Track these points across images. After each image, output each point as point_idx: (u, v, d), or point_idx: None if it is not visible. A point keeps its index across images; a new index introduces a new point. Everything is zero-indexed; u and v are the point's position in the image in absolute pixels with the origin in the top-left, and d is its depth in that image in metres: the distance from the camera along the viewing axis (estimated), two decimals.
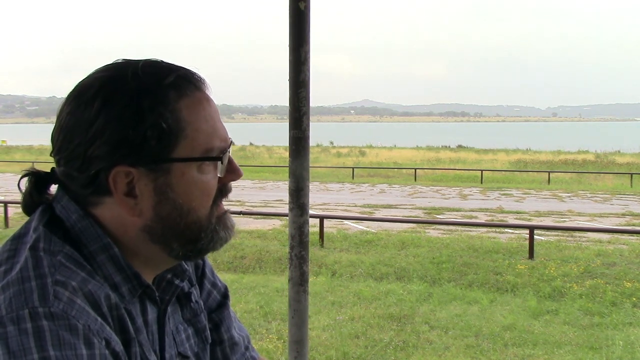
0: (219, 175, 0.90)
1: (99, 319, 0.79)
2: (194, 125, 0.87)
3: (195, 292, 1.06)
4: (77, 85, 0.88)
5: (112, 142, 0.83)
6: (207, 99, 0.91)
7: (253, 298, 7.99)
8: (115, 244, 0.87)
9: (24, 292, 0.76)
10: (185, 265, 1.01)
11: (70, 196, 0.88)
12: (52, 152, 0.89)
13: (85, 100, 0.85)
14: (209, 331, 1.07)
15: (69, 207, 0.87)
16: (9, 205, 13.84)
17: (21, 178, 0.91)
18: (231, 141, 0.94)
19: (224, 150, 0.91)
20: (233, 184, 0.95)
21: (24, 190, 0.91)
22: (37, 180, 0.91)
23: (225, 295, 1.14)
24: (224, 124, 0.93)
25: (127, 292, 0.88)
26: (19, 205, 0.93)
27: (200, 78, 0.91)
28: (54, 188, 0.92)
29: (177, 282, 0.98)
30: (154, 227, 0.87)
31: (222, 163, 0.90)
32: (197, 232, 0.89)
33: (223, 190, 0.93)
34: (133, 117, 0.84)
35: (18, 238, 0.85)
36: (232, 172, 0.93)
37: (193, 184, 0.87)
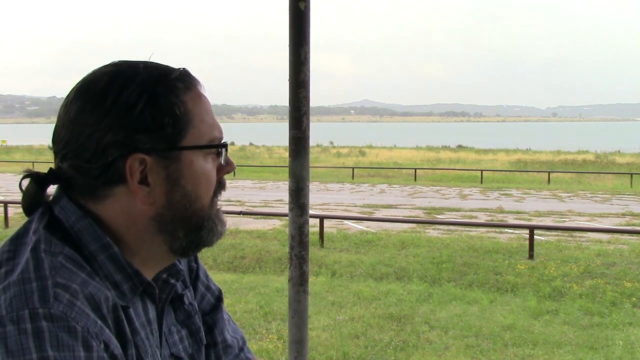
0: (222, 162, 0.95)
1: (99, 321, 0.79)
2: (199, 116, 0.91)
3: (189, 294, 1.07)
4: (83, 81, 0.89)
5: (130, 128, 0.85)
6: (205, 96, 0.96)
7: (253, 298, 7.98)
8: (115, 242, 0.87)
9: (24, 293, 0.76)
10: (180, 266, 1.02)
11: (69, 196, 0.88)
12: (56, 147, 0.89)
13: (97, 92, 0.86)
14: (203, 333, 1.08)
15: (67, 208, 0.87)
16: (9, 205, 13.84)
17: (22, 179, 0.91)
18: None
19: (223, 141, 0.95)
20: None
21: (24, 191, 0.91)
22: (38, 181, 0.91)
23: (219, 299, 1.15)
24: (223, 124, 0.95)
25: (128, 291, 0.88)
26: (19, 205, 0.94)
27: (196, 78, 0.96)
28: (51, 189, 0.92)
29: (172, 281, 1.00)
30: (165, 215, 0.89)
31: (225, 151, 0.95)
32: (201, 220, 0.92)
33: (221, 183, 0.96)
34: (149, 102, 0.86)
35: (17, 239, 0.85)
36: (228, 164, 0.97)
37: (201, 172, 0.91)
